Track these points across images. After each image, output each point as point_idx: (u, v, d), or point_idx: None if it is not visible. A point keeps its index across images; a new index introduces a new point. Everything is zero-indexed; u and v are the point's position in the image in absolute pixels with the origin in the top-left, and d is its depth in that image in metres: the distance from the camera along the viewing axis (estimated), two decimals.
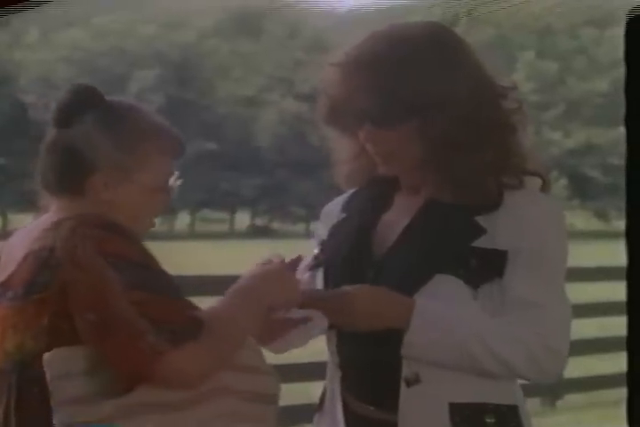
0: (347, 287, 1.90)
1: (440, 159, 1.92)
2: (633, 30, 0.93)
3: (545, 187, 2.00)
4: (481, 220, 1.92)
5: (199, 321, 1.69)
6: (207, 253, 22.22)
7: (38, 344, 1.70)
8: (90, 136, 1.79)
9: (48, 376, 1.66)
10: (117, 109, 1.82)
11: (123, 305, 1.64)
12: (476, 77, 1.94)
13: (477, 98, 1.92)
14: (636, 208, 0.98)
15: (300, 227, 37.10)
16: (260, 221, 42.20)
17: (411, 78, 1.88)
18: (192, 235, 37.18)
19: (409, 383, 1.89)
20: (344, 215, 2.10)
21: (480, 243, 1.91)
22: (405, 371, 1.89)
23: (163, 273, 1.71)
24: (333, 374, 2.02)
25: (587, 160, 34.26)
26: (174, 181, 1.85)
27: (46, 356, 1.66)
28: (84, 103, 1.81)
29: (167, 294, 1.69)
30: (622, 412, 1.39)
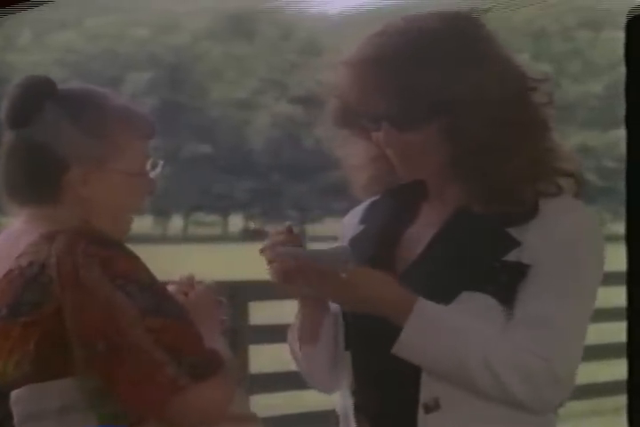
0: (350, 265, 1.73)
1: (470, 164, 1.74)
2: (633, 30, 0.90)
3: (580, 189, 1.81)
4: (512, 231, 1.73)
5: (220, 355, 1.55)
6: (200, 257, 22.17)
7: (19, 373, 1.52)
8: (55, 129, 1.61)
9: (15, 417, 1.50)
10: (77, 96, 1.66)
11: (138, 333, 1.48)
12: (504, 70, 1.76)
13: (508, 93, 1.74)
14: (636, 211, 0.95)
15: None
16: (253, 224, 42.15)
17: (433, 74, 1.70)
18: (185, 238, 37.15)
19: (428, 410, 1.72)
20: (362, 227, 1.91)
21: (511, 256, 1.72)
22: (424, 396, 1.72)
23: (171, 296, 1.58)
24: (346, 400, 1.86)
25: (582, 163, 34.20)
26: (154, 166, 1.70)
27: (15, 393, 1.50)
28: (38, 96, 1.63)
29: (182, 320, 1.53)
30: (623, 419, 1.36)
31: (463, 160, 1.74)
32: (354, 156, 1.88)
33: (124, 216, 1.68)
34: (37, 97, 1.63)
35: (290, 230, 1.79)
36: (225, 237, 38.09)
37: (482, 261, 1.73)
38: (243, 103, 40.83)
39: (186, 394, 1.48)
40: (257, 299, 6.08)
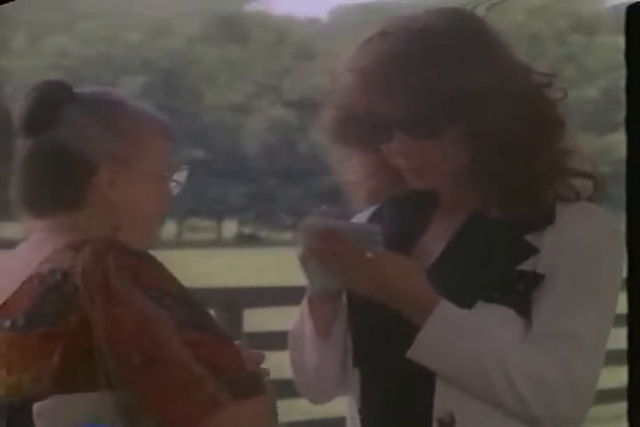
0: (379, 249, 1.62)
1: (490, 165, 1.64)
2: (633, 30, 0.88)
3: (597, 192, 1.70)
4: (529, 237, 1.64)
5: (262, 375, 1.48)
6: (195, 262, 22.19)
7: (39, 387, 1.43)
8: (79, 129, 1.54)
9: None
10: (95, 97, 1.59)
11: (175, 346, 1.40)
12: (514, 65, 1.65)
13: (524, 89, 1.63)
14: (636, 214, 0.92)
15: (288, 235, 37.08)
16: (247, 229, 42.18)
17: (446, 74, 1.59)
18: (179, 243, 37.14)
19: (442, 425, 1.62)
20: None
21: (528, 265, 1.63)
22: (438, 409, 1.62)
23: (206, 310, 1.49)
24: (354, 420, 1.76)
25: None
26: (177, 169, 1.63)
27: (39, 405, 1.42)
28: (56, 99, 1.56)
29: (220, 334, 1.45)
30: None
31: (483, 162, 1.64)
32: (351, 172, 1.76)
33: (153, 221, 1.62)
34: (55, 100, 1.56)
35: (324, 213, 1.67)
36: (219, 242, 38.10)
37: (498, 269, 1.64)
38: (237, 108, 40.85)
39: (225, 412, 1.40)
40: (252, 306, 6.06)
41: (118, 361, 1.40)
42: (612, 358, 3.07)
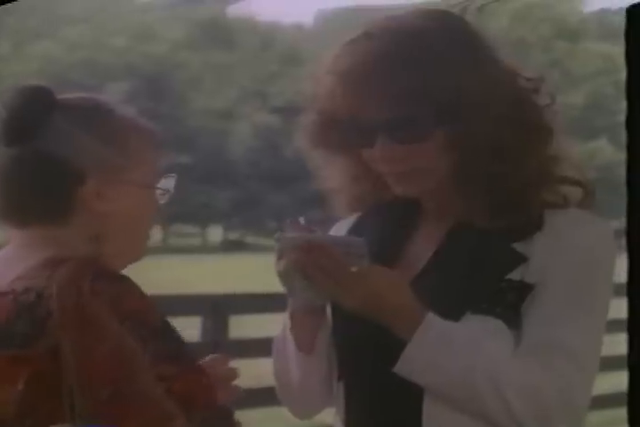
0: (364, 262, 1.58)
1: (478, 172, 1.59)
2: (633, 30, 0.88)
3: (587, 199, 1.66)
4: (518, 246, 1.60)
5: (232, 413, 1.45)
6: (180, 269, 22.11)
7: (2, 413, 1.34)
8: (67, 139, 1.47)
9: None
10: (83, 105, 1.52)
11: (148, 381, 1.33)
12: (503, 70, 1.61)
13: (512, 94, 1.59)
14: (636, 216, 0.92)
15: (274, 241, 36.91)
16: (233, 235, 42.09)
17: (433, 76, 1.54)
18: (164, 249, 37.00)
19: None
20: None
21: (517, 274, 1.59)
22: (427, 424, 1.58)
23: (184, 341, 1.43)
24: None
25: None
26: (165, 178, 1.58)
27: None
28: (41, 106, 1.47)
29: (196, 368, 1.40)
30: None
31: (468, 168, 1.59)
32: (332, 178, 1.72)
33: (142, 231, 1.57)
34: (40, 107, 1.48)
35: (300, 224, 1.63)
36: (204, 249, 37.99)
37: (486, 279, 1.60)
38: (222, 113, 40.77)
39: None
40: (237, 312, 6.03)
41: (86, 393, 1.32)
42: (611, 363, 3.02)
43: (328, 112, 1.62)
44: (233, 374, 1.60)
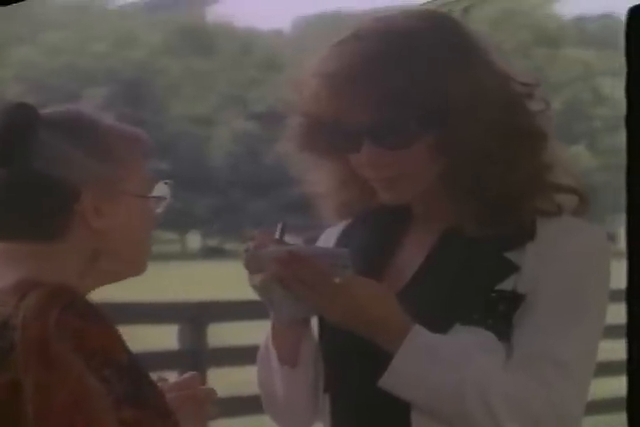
0: (348, 272, 1.54)
1: (467, 178, 1.55)
2: (634, 30, 0.87)
3: (582, 207, 1.62)
4: (509, 255, 1.56)
5: None
6: (158, 276, 22.00)
7: None
8: (57, 155, 1.42)
9: None
10: (68, 118, 1.48)
11: (110, 425, 1.27)
12: (495, 73, 1.56)
13: (503, 99, 1.55)
14: (636, 216, 0.90)
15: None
16: (212, 242, 41.98)
17: (421, 81, 1.49)
18: None
19: None
20: None
21: (508, 284, 1.55)
22: None
23: (151, 381, 1.37)
24: None
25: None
26: (160, 185, 1.54)
27: None
28: (26, 124, 1.42)
29: (161, 412, 1.34)
30: None
31: (459, 175, 1.55)
32: (319, 183, 1.67)
33: (142, 244, 1.51)
34: (25, 126, 1.42)
35: (271, 236, 1.59)
36: (183, 255, 37.88)
37: (477, 289, 1.55)
38: (202, 119, 40.71)
39: None
40: (216, 320, 5.99)
41: None
42: (610, 368, 2.99)
43: (314, 115, 1.59)
44: (210, 394, 1.57)
